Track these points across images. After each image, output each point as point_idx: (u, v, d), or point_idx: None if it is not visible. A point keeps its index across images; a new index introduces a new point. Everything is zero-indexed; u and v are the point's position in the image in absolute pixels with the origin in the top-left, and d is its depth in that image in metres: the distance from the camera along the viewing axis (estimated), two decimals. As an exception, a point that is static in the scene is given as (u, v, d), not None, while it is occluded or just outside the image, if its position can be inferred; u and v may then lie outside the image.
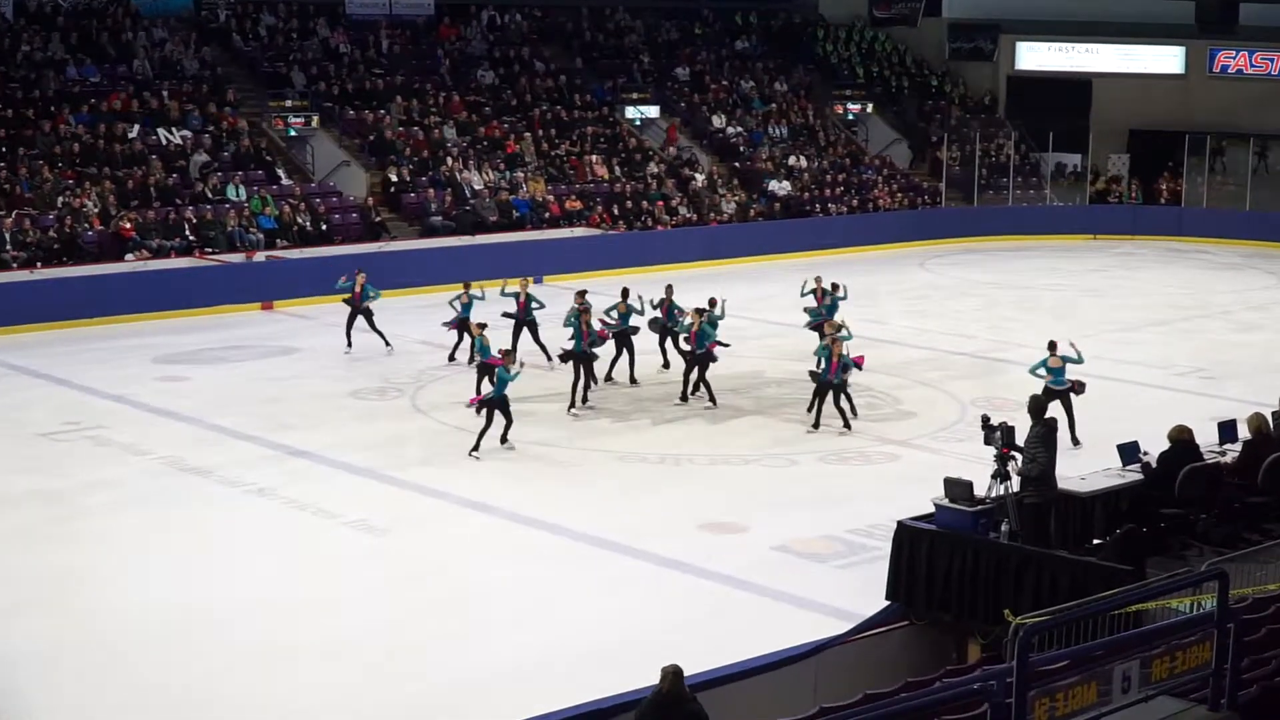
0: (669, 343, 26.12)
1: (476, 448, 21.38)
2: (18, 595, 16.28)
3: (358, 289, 28.21)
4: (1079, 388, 21.52)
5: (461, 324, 26.86)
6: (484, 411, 21.51)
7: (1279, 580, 12.32)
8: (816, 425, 22.84)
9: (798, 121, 49.24)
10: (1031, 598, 12.90)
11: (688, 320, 24.58)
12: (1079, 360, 21.65)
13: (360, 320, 28.12)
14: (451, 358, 27.31)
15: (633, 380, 25.83)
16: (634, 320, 25.82)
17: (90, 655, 14.75)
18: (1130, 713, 9.20)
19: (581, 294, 25.61)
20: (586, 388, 24.29)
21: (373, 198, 38.78)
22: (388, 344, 28.30)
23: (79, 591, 16.44)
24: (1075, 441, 20.94)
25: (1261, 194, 47.62)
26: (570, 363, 24.28)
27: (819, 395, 22.88)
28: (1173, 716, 9.49)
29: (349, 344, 28.21)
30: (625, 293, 25.91)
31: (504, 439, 21.60)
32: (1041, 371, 21.65)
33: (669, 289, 26.55)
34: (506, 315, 26.98)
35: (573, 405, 23.93)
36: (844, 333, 23.26)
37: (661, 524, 18.73)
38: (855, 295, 34.70)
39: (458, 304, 27.03)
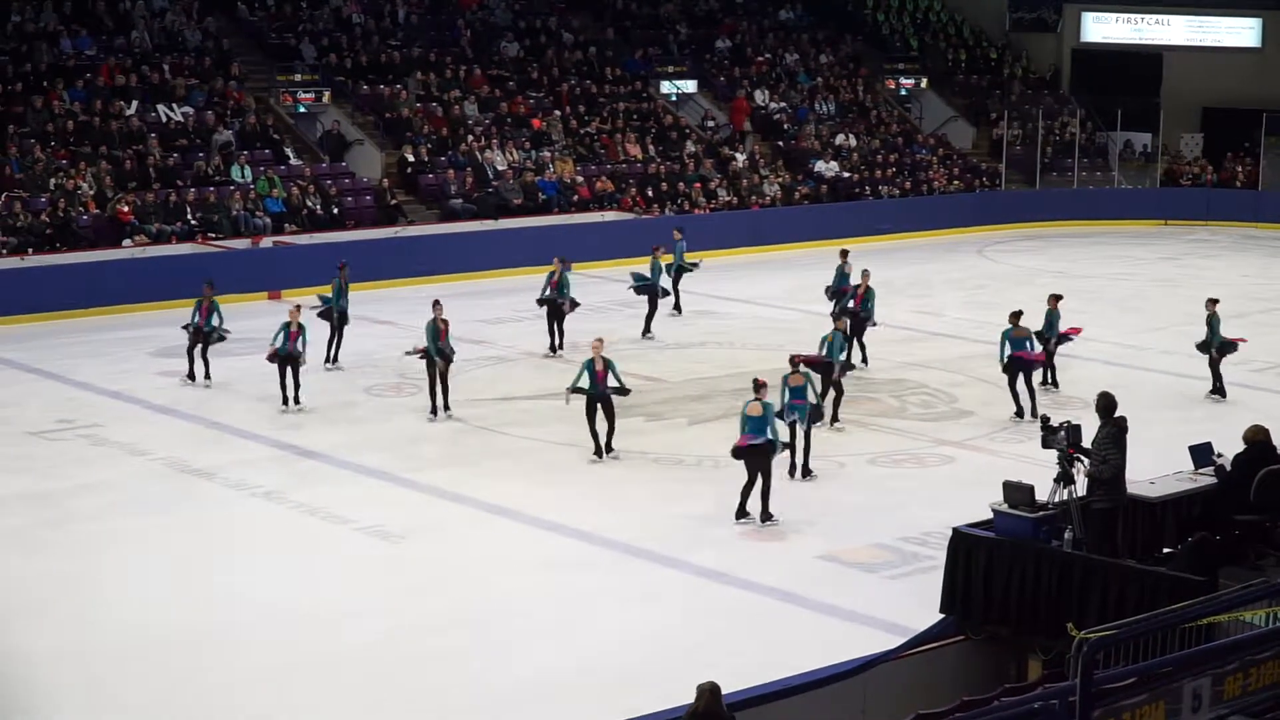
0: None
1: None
2: (7, 605, 16.42)
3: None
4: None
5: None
6: None
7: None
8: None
9: (846, 97, 49.15)
10: (1097, 610, 12.91)
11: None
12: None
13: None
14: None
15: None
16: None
17: (88, 669, 14.89)
18: (1201, 734, 9.24)
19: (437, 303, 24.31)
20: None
21: (388, 179, 38.89)
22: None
23: (74, 602, 16.57)
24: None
25: (1345, 177, 47.43)
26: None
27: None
28: (1247, 738, 9.52)
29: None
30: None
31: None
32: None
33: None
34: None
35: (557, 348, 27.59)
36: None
37: (699, 531, 18.81)
38: (907, 284, 34.83)
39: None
